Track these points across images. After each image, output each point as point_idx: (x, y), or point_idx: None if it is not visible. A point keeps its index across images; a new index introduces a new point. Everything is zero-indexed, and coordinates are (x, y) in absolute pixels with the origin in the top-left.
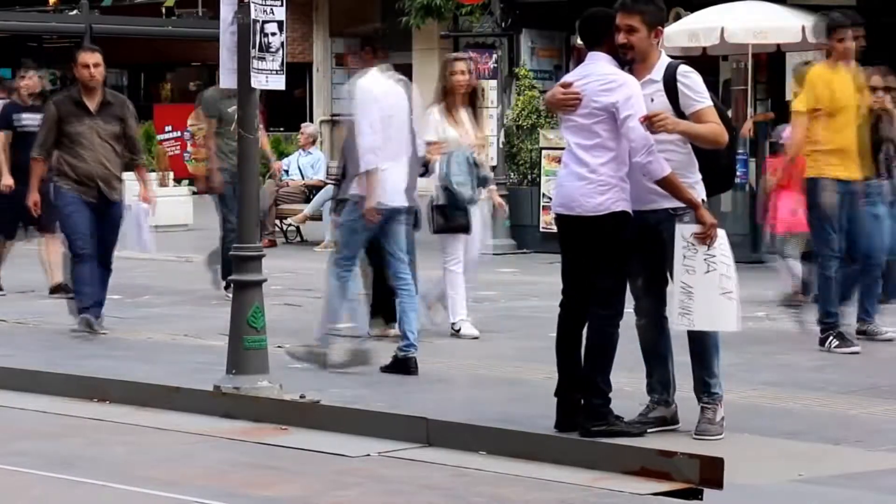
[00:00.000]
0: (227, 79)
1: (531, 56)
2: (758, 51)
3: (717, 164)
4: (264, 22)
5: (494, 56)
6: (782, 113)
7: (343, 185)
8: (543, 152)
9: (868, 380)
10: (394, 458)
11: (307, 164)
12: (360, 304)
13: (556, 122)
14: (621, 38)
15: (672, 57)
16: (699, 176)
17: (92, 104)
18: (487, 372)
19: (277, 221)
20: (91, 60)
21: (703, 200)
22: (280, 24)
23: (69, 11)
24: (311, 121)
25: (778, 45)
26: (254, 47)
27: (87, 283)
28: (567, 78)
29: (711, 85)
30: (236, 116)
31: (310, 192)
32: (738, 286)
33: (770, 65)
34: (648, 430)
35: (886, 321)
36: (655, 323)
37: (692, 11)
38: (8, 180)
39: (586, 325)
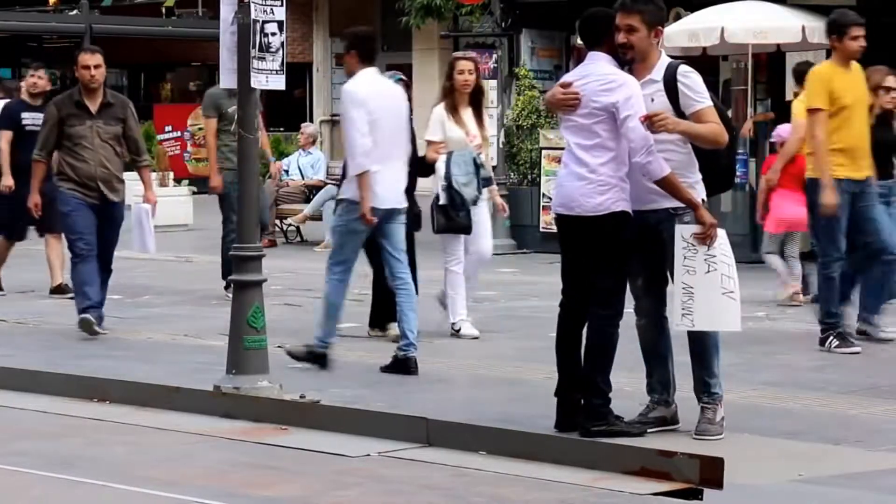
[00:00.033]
0: (227, 79)
1: (531, 56)
2: (758, 51)
3: (717, 164)
4: (264, 22)
5: (494, 56)
6: (782, 113)
7: (342, 186)
8: (543, 152)
9: (868, 380)
10: (394, 458)
11: (307, 164)
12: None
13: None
14: (621, 38)
15: (672, 57)
16: (699, 176)
17: (93, 105)
18: (487, 372)
19: (277, 221)
20: (92, 62)
21: (703, 200)
22: (280, 24)
23: (69, 11)
24: (311, 121)
25: (778, 45)
26: (254, 47)
27: (87, 284)
28: (566, 78)
29: (711, 85)
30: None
31: (310, 192)
32: (739, 286)
33: (770, 65)
34: (648, 430)
35: (886, 321)
36: (655, 323)
37: (692, 11)
38: (8, 181)
39: (586, 325)
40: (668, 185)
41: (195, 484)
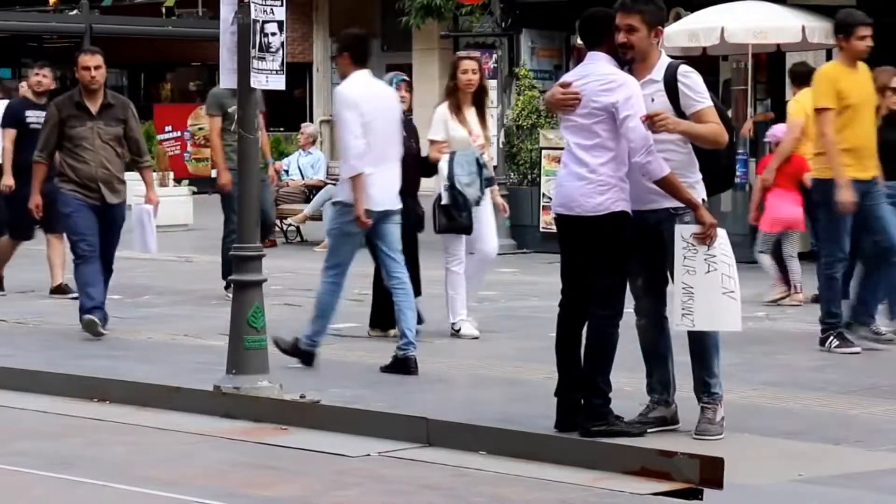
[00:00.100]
0: (227, 79)
1: (531, 56)
2: (758, 51)
3: (717, 164)
4: (264, 22)
5: (494, 56)
6: (782, 113)
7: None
8: (543, 152)
9: (868, 380)
10: (394, 458)
11: (307, 164)
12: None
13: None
14: (621, 38)
15: (672, 57)
16: (699, 176)
17: (93, 106)
18: (487, 372)
19: (277, 221)
20: (92, 63)
21: (703, 200)
22: (280, 24)
23: (69, 11)
24: (311, 121)
25: (778, 45)
26: (254, 47)
27: (90, 285)
28: (566, 78)
29: (711, 85)
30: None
31: (310, 192)
32: (739, 286)
33: (770, 65)
34: (648, 430)
35: (886, 321)
36: (655, 323)
37: (692, 11)
38: (8, 180)
39: (586, 325)
40: (667, 185)
41: (195, 484)
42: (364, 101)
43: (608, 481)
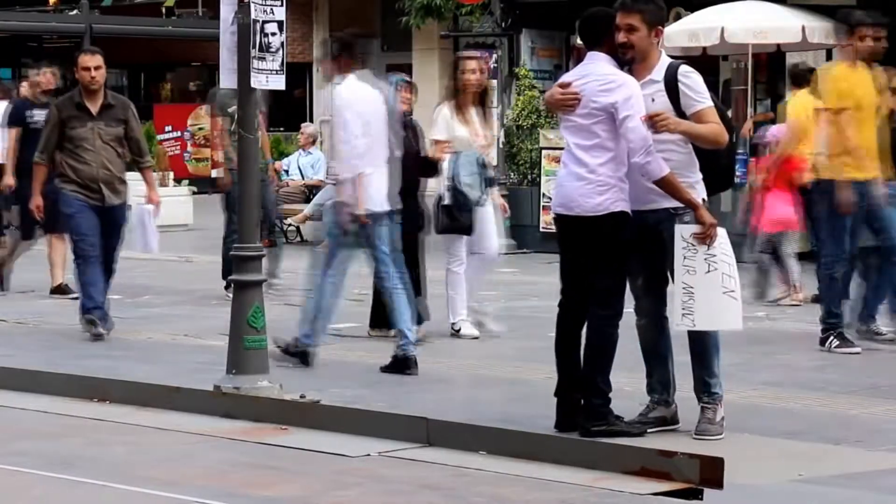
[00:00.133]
0: (227, 79)
1: (531, 56)
2: (758, 51)
3: (717, 164)
4: (264, 22)
5: (494, 56)
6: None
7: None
8: (543, 152)
9: (868, 380)
10: (394, 458)
11: (307, 164)
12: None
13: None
14: (621, 38)
15: (672, 57)
16: (700, 175)
17: (93, 107)
18: (487, 372)
19: (277, 221)
20: (92, 63)
21: (703, 200)
22: (280, 24)
23: (69, 11)
24: (311, 121)
25: (778, 45)
26: (254, 47)
27: (93, 286)
28: (565, 78)
29: (711, 85)
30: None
31: (310, 192)
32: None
33: (770, 65)
34: (648, 430)
35: (887, 321)
36: (655, 323)
37: (692, 11)
38: (9, 180)
39: (585, 325)
40: (667, 186)
41: (195, 484)
42: (361, 102)
43: (608, 481)
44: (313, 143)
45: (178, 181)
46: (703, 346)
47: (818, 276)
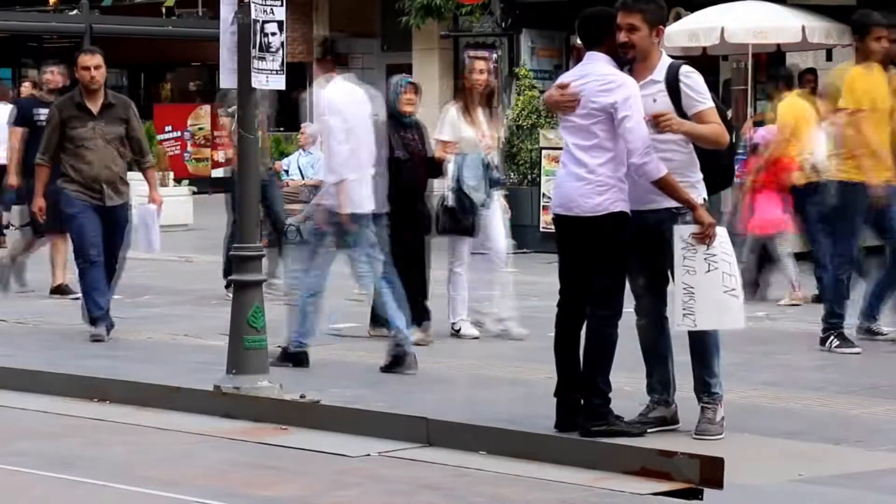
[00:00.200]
0: (228, 79)
1: (531, 56)
2: (758, 51)
3: (718, 164)
4: (264, 22)
5: (494, 56)
6: None
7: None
8: (543, 152)
9: (868, 380)
10: (394, 458)
11: (307, 164)
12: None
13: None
14: (622, 37)
15: (672, 57)
16: (700, 175)
17: (94, 106)
18: (488, 372)
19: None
20: (91, 63)
21: (704, 199)
22: (280, 24)
23: (69, 11)
24: (311, 121)
25: (778, 45)
26: (254, 47)
27: (97, 292)
28: (564, 78)
29: (711, 85)
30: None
31: (310, 192)
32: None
33: (770, 65)
34: (648, 430)
35: (887, 321)
36: (656, 323)
37: (692, 11)
38: (12, 179)
39: (585, 325)
40: (665, 186)
41: (195, 484)
42: (347, 105)
43: (608, 481)
44: (313, 143)
45: (178, 181)
46: (703, 345)
47: (816, 276)
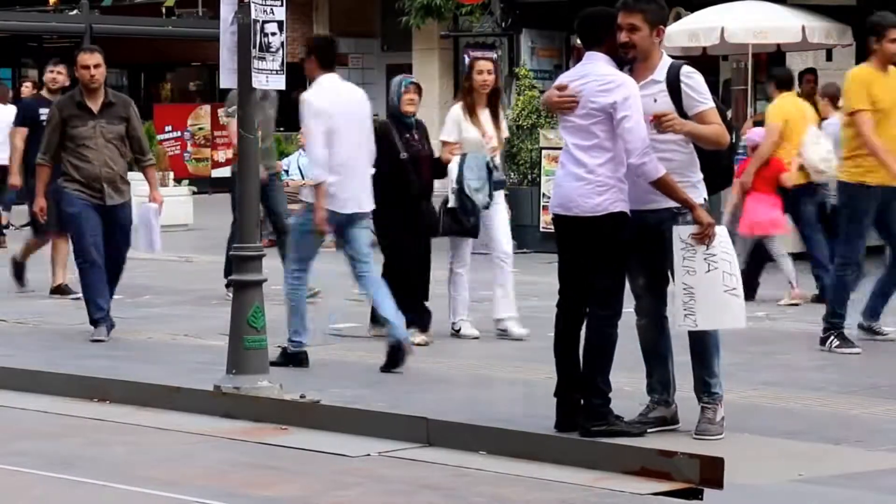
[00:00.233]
0: (227, 79)
1: (531, 56)
2: (758, 51)
3: (718, 165)
4: (264, 22)
5: (494, 56)
6: None
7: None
8: (543, 152)
9: (868, 380)
10: (394, 458)
11: (307, 163)
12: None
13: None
14: (623, 37)
15: (672, 57)
16: (701, 175)
17: (94, 105)
18: (488, 372)
19: None
20: (91, 61)
21: (704, 199)
22: (280, 24)
23: (69, 11)
24: None
25: (778, 45)
26: (254, 47)
27: (98, 294)
28: (562, 79)
29: (711, 85)
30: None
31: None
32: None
33: (770, 65)
34: (648, 430)
35: (888, 321)
36: (656, 323)
37: (692, 11)
38: (14, 179)
39: (584, 325)
40: (663, 186)
41: (195, 484)
42: (332, 106)
43: (608, 481)
44: None
45: (178, 181)
46: (703, 345)
47: (814, 275)
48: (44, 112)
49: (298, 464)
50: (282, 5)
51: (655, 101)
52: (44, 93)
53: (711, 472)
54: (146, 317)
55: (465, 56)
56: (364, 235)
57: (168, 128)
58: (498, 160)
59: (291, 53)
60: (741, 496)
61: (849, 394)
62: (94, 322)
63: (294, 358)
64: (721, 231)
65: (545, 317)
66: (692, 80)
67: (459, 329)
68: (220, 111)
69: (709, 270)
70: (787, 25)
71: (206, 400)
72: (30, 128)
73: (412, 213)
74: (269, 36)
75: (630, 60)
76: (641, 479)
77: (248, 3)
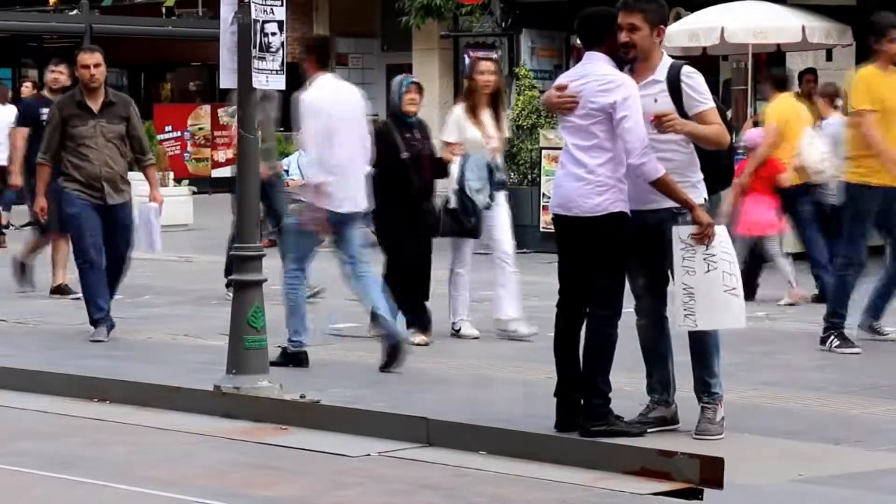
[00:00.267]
0: (227, 79)
1: (531, 56)
2: (758, 51)
3: (718, 165)
4: (264, 22)
5: (494, 56)
6: None
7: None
8: (543, 152)
9: (868, 380)
10: (394, 458)
11: (307, 163)
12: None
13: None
14: (623, 37)
15: (672, 57)
16: (701, 175)
17: (94, 105)
18: (488, 372)
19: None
20: (91, 61)
21: (705, 199)
22: (280, 24)
23: (69, 11)
24: None
25: (778, 45)
26: (254, 47)
27: (98, 295)
28: (562, 79)
29: (711, 85)
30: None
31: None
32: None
33: (770, 65)
34: (648, 430)
35: (889, 321)
36: (656, 323)
37: (692, 11)
38: (16, 180)
39: (584, 325)
40: (662, 186)
41: (195, 484)
42: (328, 105)
43: (608, 481)
44: None
45: (178, 181)
46: (703, 345)
47: (813, 275)
48: (45, 112)
49: (298, 464)
50: (282, 5)
51: (656, 101)
52: (45, 92)
53: (711, 472)
54: (146, 317)
55: (466, 56)
56: (359, 235)
57: (168, 128)
58: (500, 160)
59: (291, 53)
60: (741, 496)
61: (849, 394)
62: (94, 322)
63: (294, 358)
64: (721, 231)
65: (545, 317)
66: (692, 80)
67: (459, 329)
68: (220, 111)
69: (708, 270)
70: (787, 25)
71: (206, 400)
72: (31, 128)
73: (413, 213)
74: (270, 36)
75: (630, 60)
76: (641, 479)
77: (248, 3)
